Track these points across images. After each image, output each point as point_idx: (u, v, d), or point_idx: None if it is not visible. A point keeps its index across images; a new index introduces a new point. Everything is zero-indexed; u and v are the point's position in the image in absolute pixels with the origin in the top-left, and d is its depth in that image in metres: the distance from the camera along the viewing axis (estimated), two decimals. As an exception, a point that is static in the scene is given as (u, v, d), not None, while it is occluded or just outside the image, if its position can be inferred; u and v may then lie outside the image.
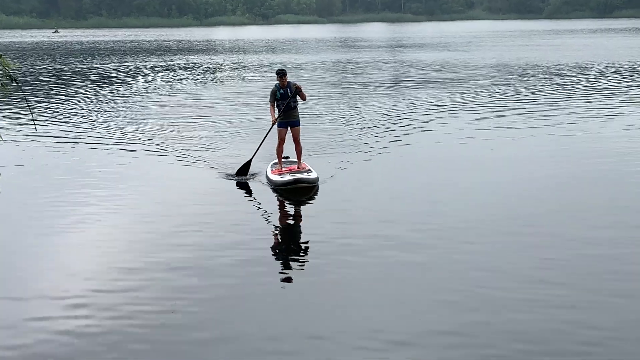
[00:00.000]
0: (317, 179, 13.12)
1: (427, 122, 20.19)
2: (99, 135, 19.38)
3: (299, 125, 13.82)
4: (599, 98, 24.62)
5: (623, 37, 71.35)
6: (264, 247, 10.19)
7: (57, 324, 7.75)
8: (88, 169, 15.23)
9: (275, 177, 13.26)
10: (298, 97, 13.60)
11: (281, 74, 13.31)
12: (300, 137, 13.82)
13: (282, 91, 13.34)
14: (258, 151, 14.29)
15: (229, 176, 14.17)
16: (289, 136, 13.86)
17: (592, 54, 46.20)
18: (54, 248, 10.34)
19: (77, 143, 18.29)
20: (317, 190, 12.94)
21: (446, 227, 10.71)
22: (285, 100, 13.37)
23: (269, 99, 13.64)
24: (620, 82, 29.33)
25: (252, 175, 14.05)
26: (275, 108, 13.51)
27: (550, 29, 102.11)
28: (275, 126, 13.65)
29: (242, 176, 13.94)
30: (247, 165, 14.06)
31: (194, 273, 9.09)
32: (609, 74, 32.81)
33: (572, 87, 28.01)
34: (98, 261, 9.66)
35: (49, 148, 17.67)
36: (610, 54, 46.36)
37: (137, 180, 14.23)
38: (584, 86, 28.17)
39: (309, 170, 13.53)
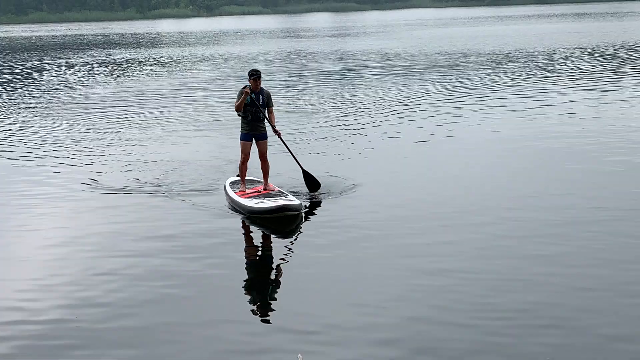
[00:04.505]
0: (301, 205, 10.94)
1: (378, 117, 19.35)
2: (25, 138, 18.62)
3: (267, 138, 11.63)
4: (534, 85, 25.14)
5: (559, 23, 72.84)
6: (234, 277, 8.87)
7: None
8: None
9: (249, 202, 10.99)
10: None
11: (255, 75, 11.30)
12: (267, 152, 11.69)
13: (253, 95, 11.34)
14: (296, 158, 12.19)
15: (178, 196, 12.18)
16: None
17: (530, 41, 47.03)
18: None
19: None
20: (301, 220, 10.82)
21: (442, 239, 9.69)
22: (254, 108, 11.39)
23: (235, 99, 11.55)
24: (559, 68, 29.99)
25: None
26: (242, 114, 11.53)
27: (493, 15, 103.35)
28: (239, 141, 11.76)
29: (317, 190, 11.99)
30: (309, 176, 12.06)
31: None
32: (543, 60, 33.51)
33: (513, 73, 28.57)
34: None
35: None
36: (550, 39, 47.31)
37: (79, 201, 12.30)
38: (522, 73, 28.75)
39: (282, 192, 11.47)
